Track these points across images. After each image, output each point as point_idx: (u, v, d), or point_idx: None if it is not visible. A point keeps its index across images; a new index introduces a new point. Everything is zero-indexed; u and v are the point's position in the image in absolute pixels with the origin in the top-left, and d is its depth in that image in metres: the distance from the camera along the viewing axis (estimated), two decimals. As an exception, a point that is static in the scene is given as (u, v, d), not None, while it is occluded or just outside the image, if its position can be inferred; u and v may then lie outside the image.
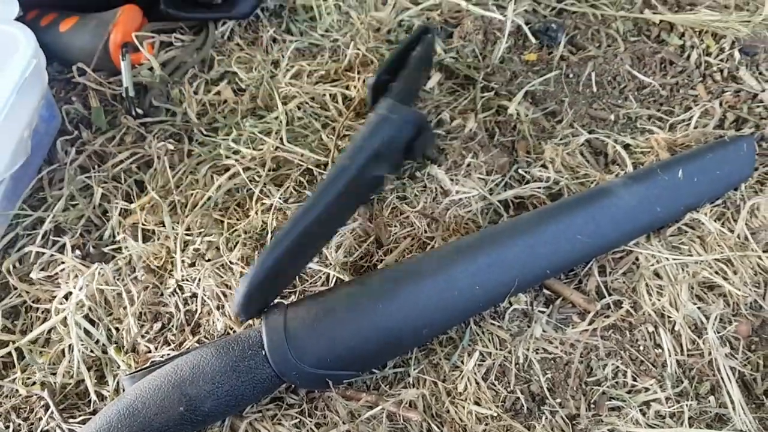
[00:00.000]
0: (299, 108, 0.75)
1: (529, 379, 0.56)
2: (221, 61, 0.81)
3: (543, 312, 0.59)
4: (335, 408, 0.54)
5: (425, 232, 0.64)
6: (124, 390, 0.55)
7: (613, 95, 0.77)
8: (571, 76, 0.79)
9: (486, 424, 0.53)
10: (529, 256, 0.56)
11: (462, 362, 0.56)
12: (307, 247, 0.58)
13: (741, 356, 0.56)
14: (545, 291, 0.61)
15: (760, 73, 0.76)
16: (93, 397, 0.58)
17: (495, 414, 0.53)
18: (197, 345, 0.59)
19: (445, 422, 0.54)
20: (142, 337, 0.61)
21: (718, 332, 0.57)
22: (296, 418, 0.54)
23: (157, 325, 0.62)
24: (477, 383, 0.55)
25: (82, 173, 0.73)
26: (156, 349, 0.60)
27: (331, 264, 0.62)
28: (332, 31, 0.83)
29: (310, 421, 0.54)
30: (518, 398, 0.55)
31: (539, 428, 0.53)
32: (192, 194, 0.69)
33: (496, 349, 0.57)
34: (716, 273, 0.60)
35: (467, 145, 0.70)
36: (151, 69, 0.78)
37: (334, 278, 0.61)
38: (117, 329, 0.62)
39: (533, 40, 0.82)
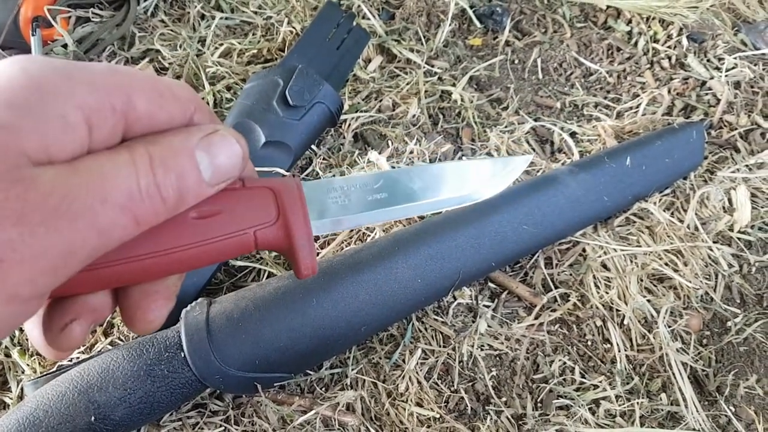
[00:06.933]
0: (228, 89, 0.70)
1: (474, 378, 0.53)
2: (143, 38, 0.75)
3: (488, 306, 0.57)
4: (265, 414, 0.50)
5: (364, 222, 0.60)
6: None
7: (559, 82, 0.75)
8: (516, 62, 0.77)
9: (428, 427, 0.50)
10: (474, 247, 0.53)
11: (403, 361, 0.53)
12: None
13: (693, 351, 0.55)
14: (490, 284, 0.58)
15: (708, 60, 0.75)
16: (-7, 405, 0.53)
17: (438, 415, 0.50)
18: (110, 348, 0.53)
19: (385, 425, 0.50)
20: (50, 338, 0.55)
21: (669, 326, 0.56)
22: (221, 426, 0.50)
23: (66, 326, 0.56)
24: (419, 383, 0.52)
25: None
26: (65, 351, 0.54)
27: (262, 259, 0.58)
28: (265, 7, 0.78)
29: (237, 429, 0.49)
30: (462, 398, 0.52)
31: (484, 429, 0.50)
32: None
33: (440, 346, 0.54)
34: (666, 264, 0.58)
35: (410, 132, 0.67)
36: (65, 46, 0.71)
37: (266, 273, 0.57)
38: (21, 330, 0.56)
39: (478, 24, 0.80)
